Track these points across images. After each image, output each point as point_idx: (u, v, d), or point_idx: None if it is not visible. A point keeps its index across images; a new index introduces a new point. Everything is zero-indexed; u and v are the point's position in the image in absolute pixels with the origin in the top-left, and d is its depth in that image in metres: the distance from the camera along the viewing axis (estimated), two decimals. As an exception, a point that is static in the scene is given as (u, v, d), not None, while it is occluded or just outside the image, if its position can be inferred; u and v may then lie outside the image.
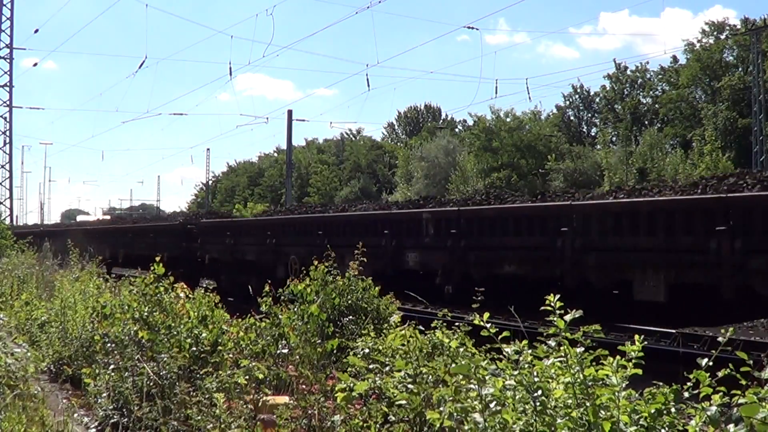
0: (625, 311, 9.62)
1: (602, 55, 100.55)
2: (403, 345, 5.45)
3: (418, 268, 11.91)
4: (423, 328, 5.67)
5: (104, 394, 6.10)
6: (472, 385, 3.39)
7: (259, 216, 21.48)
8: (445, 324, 5.51)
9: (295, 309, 7.42)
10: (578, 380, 3.14)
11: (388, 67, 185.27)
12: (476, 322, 3.75)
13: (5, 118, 39.67)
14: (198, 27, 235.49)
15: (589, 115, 68.81)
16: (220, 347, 6.51)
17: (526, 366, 3.48)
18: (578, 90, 67.23)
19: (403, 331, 5.66)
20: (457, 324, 5.55)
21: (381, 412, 4.47)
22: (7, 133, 39.88)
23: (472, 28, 33.36)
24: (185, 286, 7.71)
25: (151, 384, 5.80)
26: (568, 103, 68.68)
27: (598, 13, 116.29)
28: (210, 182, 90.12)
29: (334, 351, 6.76)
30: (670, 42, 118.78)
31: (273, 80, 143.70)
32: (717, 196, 8.21)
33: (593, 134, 65.53)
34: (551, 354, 3.38)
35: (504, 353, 3.68)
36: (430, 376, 4.53)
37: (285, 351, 6.69)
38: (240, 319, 7.33)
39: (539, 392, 3.19)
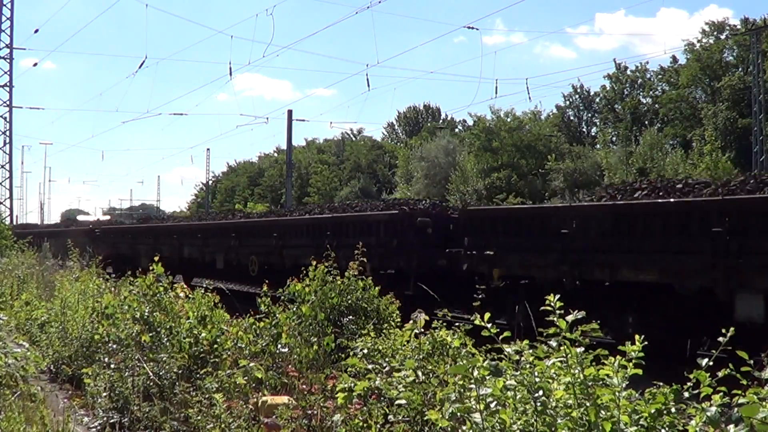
0: None
1: (600, 55, 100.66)
2: (403, 345, 5.45)
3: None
4: (423, 330, 5.67)
5: (104, 394, 6.10)
6: (472, 386, 3.38)
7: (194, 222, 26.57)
8: (445, 324, 5.51)
9: (294, 309, 7.42)
10: (578, 380, 3.14)
11: (388, 67, 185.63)
12: (477, 322, 3.75)
13: (5, 118, 39.69)
14: (198, 27, 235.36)
15: (589, 115, 68.79)
16: (217, 346, 6.51)
17: (527, 366, 3.48)
18: (578, 90, 67.23)
19: (411, 331, 5.68)
20: (457, 324, 5.55)
21: (381, 412, 4.47)
22: (7, 133, 39.87)
23: (473, 28, 33.35)
24: (185, 286, 7.72)
25: (151, 384, 5.80)
26: (568, 103, 68.66)
27: (593, 14, 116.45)
28: (210, 182, 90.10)
29: (334, 351, 6.75)
30: (667, 42, 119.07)
31: (271, 80, 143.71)
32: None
33: (593, 134, 65.52)
34: (552, 354, 3.38)
35: (504, 353, 3.68)
36: (432, 376, 4.54)
37: (285, 350, 6.69)
38: (240, 319, 7.33)
39: (540, 392, 3.19)
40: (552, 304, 3.32)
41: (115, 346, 6.86)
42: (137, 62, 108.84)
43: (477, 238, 12.24)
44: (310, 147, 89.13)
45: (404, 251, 13.84)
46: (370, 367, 5.11)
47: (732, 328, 3.25)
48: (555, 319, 3.30)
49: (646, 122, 58.75)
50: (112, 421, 5.73)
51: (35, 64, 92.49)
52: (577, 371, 3.16)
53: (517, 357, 3.64)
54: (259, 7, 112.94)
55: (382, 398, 4.61)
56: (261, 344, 6.88)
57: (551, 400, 3.21)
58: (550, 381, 3.31)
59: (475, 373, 3.32)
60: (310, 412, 4.85)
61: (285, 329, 6.96)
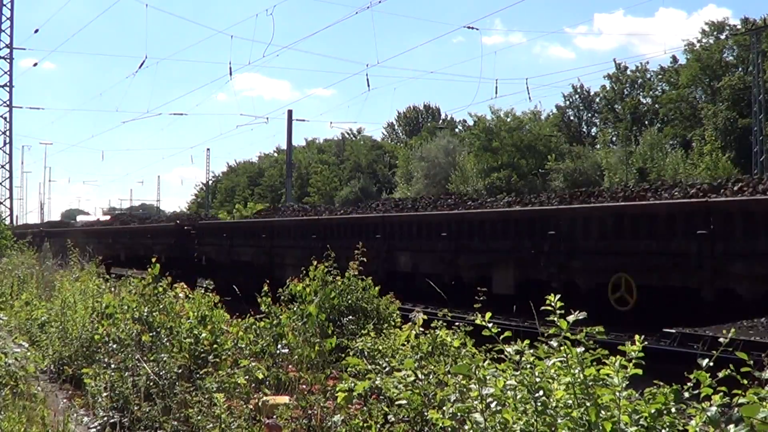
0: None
1: (599, 55, 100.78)
2: (404, 345, 5.45)
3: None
4: (423, 329, 5.67)
5: (104, 394, 6.09)
6: (473, 385, 3.39)
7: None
8: (445, 324, 5.51)
9: (295, 309, 7.42)
10: (579, 380, 3.14)
11: (388, 67, 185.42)
12: (478, 321, 3.75)
13: (5, 118, 39.72)
14: (198, 27, 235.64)
15: (589, 115, 68.84)
16: (217, 346, 6.50)
17: (528, 366, 3.47)
18: (578, 90, 67.30)
19: (410, 330, 5.68)
20: (457, 324, 5.55)
21: (381, 412, 4.47)
22: (7, 133, 39.91)
23: (472, 28, 33.44)
24: (185, 286, 7.72)
25: (151, 384, 5.80)
26: (568, 103, 68.75)
27: (592, 14, 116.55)
28: (210, 182, 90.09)
29: (335, 351, 6.75)
30: (666, 42, 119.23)
31: (270, 80, 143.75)
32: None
33: (593, 134, 65.58)
34: (552, 354, 3.38)
35: (505, 353, 3.68)
36: (432, 376, 4.54)
37: (285, 351, 6.69)
38: (240, 319, 7.33)
39: (540, 392, 3.19)
40: (552, 303, 3.32)
41: (115, 346, 6.86)
42: (137, 62, 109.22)
43: None
44: (310, 147, 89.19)
45: None
46: (370, 367, 5.11)
47: (732, 329, 3.25)
48: (555, 319, 3.30)
49: (646, 122, 58.79)
50: (112, 421, 5.72)
51: (35, 64, 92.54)
52: (577, 371, 3.16)
53: (518, 357, 3.64)
54: (259, 7, 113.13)
55: (382, 398, 4.61)
56: (261, 344, 6.88)
57: (551, 400, 3.21)
58: (551, 381, 3.31)
59: (477, 372, 3.32)
60: (310, 412, 4.85)
61: (289, 329, 6.96)
